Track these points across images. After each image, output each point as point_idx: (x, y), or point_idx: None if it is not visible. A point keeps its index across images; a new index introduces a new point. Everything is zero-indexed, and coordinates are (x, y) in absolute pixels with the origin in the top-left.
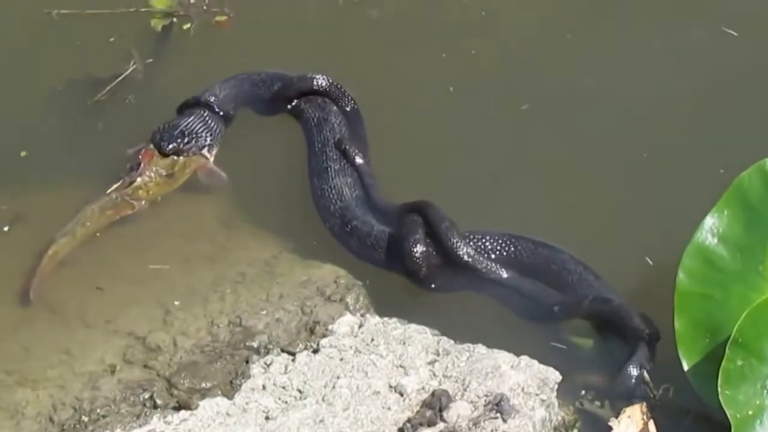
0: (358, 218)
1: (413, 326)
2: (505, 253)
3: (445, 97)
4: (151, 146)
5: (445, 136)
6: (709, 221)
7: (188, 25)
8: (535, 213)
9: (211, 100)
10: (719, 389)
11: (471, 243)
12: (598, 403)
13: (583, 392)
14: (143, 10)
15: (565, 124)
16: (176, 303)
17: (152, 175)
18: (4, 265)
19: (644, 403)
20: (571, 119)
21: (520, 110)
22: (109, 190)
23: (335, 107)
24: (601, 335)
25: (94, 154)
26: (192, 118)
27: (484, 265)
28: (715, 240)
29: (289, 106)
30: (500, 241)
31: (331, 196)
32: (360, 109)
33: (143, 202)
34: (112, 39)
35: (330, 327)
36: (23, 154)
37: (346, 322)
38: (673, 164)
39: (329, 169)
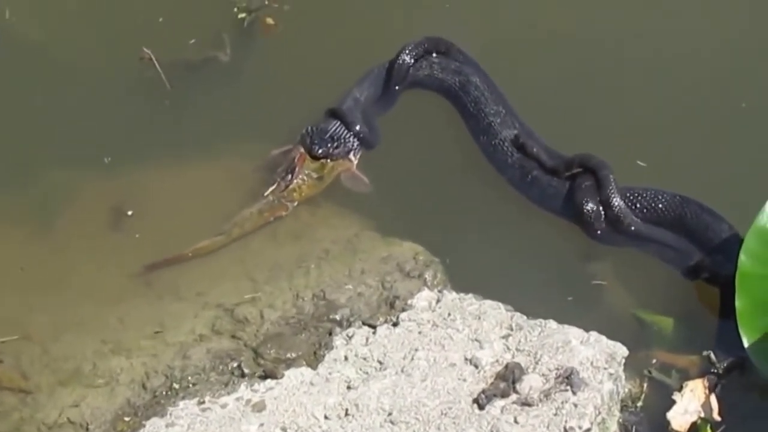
0: (538, 168)
1: (488, 302)
2: (674, 213)
3: None
4: (302, 149)
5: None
6: None
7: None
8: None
9: (354, 107)
10: None
11: (642, 201)
12: (663, 375)
13: (653, 361)
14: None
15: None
16: (262, 277)
17: (305, 177)
18: (110, 243)
19: (706, 378)
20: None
21: None
22: (266, 193)
23: (467, 68)
24: (685, 317)
25: (184, 136)
26: (339, 123)
27: (642, 229)
28: None
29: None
30: (672, 202)
31: (505, 148)
32: (470, 56)
33: (295, 203)
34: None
35: (409, 301)
36: (107, 160)
37: (424, 297)
38: None
39: (492, 124)
